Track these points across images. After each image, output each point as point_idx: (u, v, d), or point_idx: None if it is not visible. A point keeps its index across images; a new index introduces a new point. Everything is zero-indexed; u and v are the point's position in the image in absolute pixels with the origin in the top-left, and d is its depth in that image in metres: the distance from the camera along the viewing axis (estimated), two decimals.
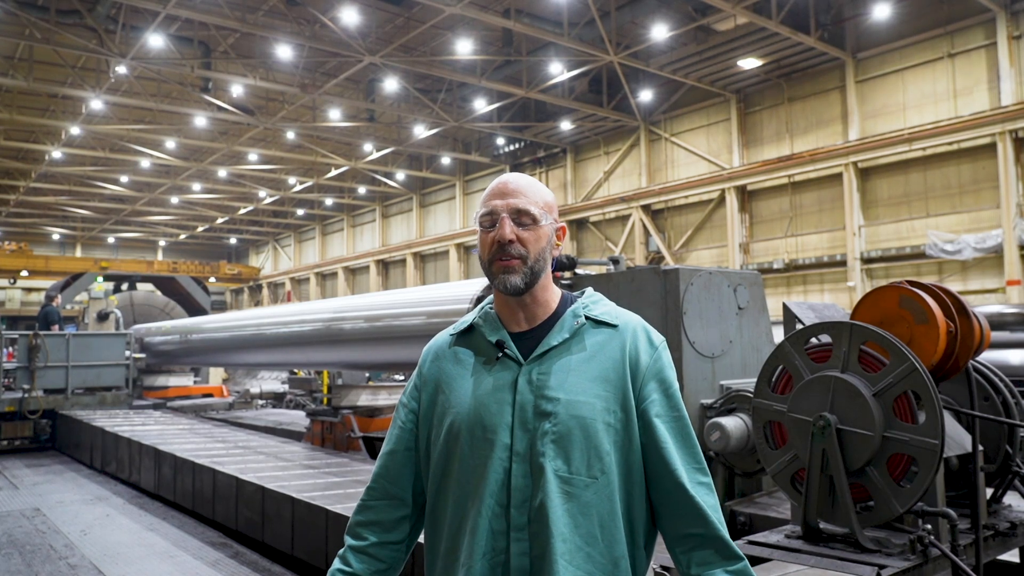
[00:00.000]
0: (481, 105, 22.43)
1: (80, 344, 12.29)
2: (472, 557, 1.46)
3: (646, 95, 21.60)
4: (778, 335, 3.93)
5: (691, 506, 1.46)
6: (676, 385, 1.56)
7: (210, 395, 15.29)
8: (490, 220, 1.56)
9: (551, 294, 1.61)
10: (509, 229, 1.53)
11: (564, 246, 1.64)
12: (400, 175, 30.40)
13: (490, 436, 1.49)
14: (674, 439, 1.51)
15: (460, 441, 1.52)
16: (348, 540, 1.63)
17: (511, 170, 28.13)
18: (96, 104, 21.24)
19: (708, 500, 1.47)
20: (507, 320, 1.59)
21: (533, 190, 1.59)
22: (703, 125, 22.00)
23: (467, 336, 1.63)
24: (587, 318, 1.56)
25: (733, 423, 3.99)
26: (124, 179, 30.52)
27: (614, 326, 1.56)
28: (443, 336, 1.68)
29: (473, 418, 1.51)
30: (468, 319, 1.64)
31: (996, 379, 3.35)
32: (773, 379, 3.09)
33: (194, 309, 16.77)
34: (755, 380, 3.22)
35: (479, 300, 5.25)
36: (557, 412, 1.46)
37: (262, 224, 41.14)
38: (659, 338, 1.59)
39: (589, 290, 1.67)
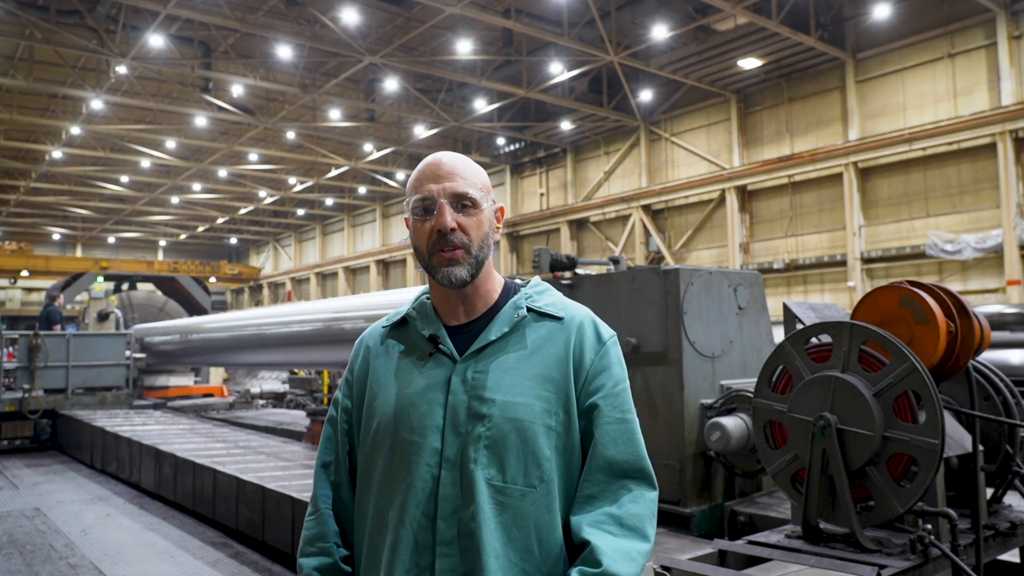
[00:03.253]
0: (481, 105, 22.43)
1: (80, 344, 12.28)
2: (392, 574, 1.31)
3: (646, 95, 21.60)
4: (778, 335, 3.94)
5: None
6: (625, 383, 1.41)
7: (210, 395, 15.29)
8: (425, 206, 1.40)
9: (493, 283, 1.45)
10: (450, 216, 1.37)
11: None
12: (400, 175, 30.38)
13: (417, 439, 1.34)
14: (614, 444, 1.35)
15: (385, 444, 1.37)
16: (304, 562, 1.46)
17: (512, 171, 28.16)
18: (96, 104, 21.24)
19: (633, 510, 1.32)
20: (444, 312, 1.44)
21: (469, 170, 1.43)
22: (703, 125, 22.00)
23: (400, 329, 1.48)
24: (529, 310, 1.41)
25: (733, 423, 4.00)
26: (124, 179, 30.53)
27: (559, 319, 1.41)
28: (375, 328, 1.53)
29: (400, 419, 1.36)
30: (402, 310, 1.50)
31: (996, 379, 3.35)
32: (773, 379, 3.09)
33: (194, 309, 16.77)
34: (755, 380, 3.22)
35: None
36: (492, 415, 1.32)
37: (262, 224, 41.15)
38: (608, 332, 1.43)
39: (535, 279, 1.52)
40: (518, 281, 1.51)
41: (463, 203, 1.39)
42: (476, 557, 1.27)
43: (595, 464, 1.35)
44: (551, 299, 1.45)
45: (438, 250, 1.38)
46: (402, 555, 1.31)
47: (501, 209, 1.49)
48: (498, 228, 1.47)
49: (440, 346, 1.40)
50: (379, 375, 1.44)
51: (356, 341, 1.55)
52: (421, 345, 1.42)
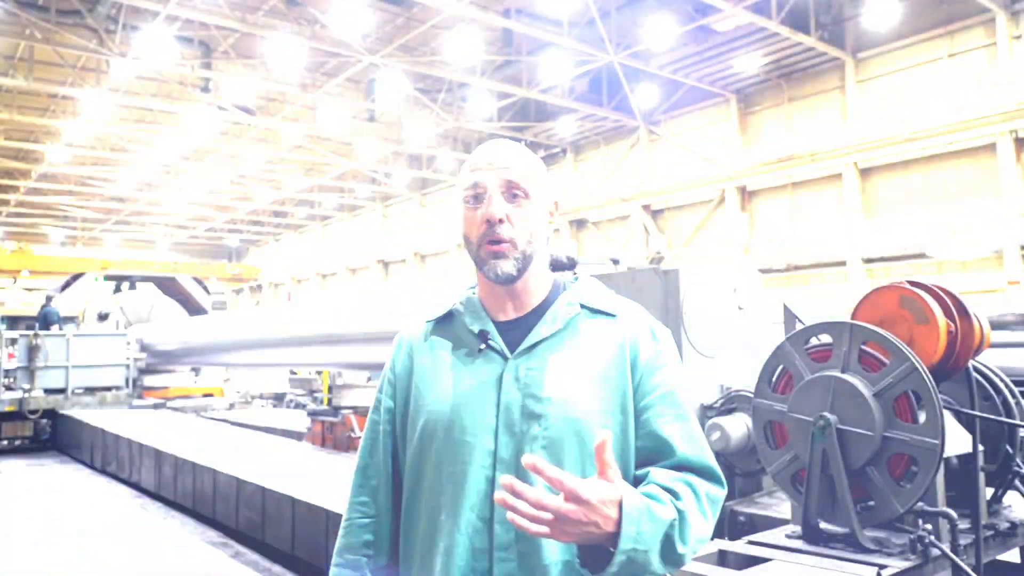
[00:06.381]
0: (481, 105, 22.41)
1: (80, 344, 12.28)
2: None
3: (646, 95, 21.60)
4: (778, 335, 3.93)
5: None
6: (680, 379, 1.38)
7: (210, 395, 15.28)
8: (476, 194, 1.34)
9: (543, 279, 1.40)
10: (499, 206, 1.32)
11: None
12: (400, 175, 30.38)
13: (470, 440, 1.29)
14: (680, 441, 1.31)
15: (435, 445, 1.33)
16: (332, 573, 1.45)
17: None
18: (96, 104, 21.23)
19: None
20: (492, 307, 1.39)
21: (525, 158, 1.38)
22: (703, 125, 21.99)
23: (445, 324, 1.43)
24: (582, 306, 1.37)
25: (733, 423, 3.99)
26: (124, 179, 30.52)
27: (612, 315, 1.37)
28: (418, 323, 1.47)
29: (451, 419, 1.31)
30: (448, 304, 1.44)
31: (996, 379, 3.34)
32: (773, 379, 3.08)
33: (194, 309, 16.76)
34: (755, 380, 3.22)
35: None
36: (548, 414, 1.27)
37: (262, 224, 41.13)
38: (663, 330, 1.40)
39: (584, 274, 1.47)
40: (568, 278, 1.47)
41: (514, 192, 1.34)
42: (536, 562, 1.24)
43: (660, 464, 1.31)
44: (604, 295, 1.40)
45: (487, 241, 1.33)
46: (458, 560, 1.27)
47: (555, 204, 1.44)
48: (551, 223, 1.41)
49: (490, 342, 1.34)
50: (425, 372, 1.39)
51: (396, 337, 1.48)
52: (469, 341, 1.37)
